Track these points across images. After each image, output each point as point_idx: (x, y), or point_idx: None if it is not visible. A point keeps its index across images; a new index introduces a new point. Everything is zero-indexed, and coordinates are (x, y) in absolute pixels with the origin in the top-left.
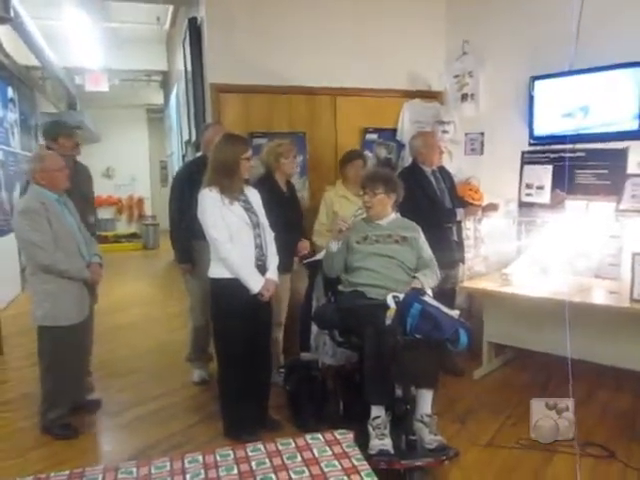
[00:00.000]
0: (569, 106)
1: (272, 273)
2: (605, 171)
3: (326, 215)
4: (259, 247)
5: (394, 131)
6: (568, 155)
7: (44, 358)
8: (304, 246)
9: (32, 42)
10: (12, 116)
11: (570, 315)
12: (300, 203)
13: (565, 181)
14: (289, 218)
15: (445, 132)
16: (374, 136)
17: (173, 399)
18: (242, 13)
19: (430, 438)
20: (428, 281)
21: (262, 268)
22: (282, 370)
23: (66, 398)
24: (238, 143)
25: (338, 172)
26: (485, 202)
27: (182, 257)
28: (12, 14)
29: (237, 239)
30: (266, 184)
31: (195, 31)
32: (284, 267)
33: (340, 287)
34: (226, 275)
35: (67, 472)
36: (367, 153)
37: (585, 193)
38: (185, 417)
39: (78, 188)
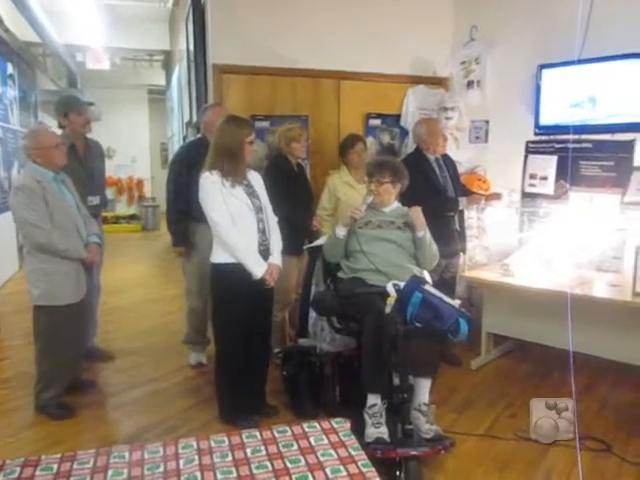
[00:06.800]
0: (577, 96)
1: (275, 258)
2: (611, 163)
3: (328, 200)
4: (262, 231)
5: (398, 117)
6: (573, 146)
7: (40, 338)
8: (318, 220)
9: (32, 17)
10: (11, 93)
11: (571, 308)
12: (310, 184)
13: (569, 172)
14: (301, 199)
15: (449, 119)
16: (377, 121)
17: (169, 382)
18: None
19: (427, 427)
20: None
21: (265, 253)
22: (277, 351)
23: (62, 378)
24: (242, 126)
25: (339, 160)
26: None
27: (177, 240)
28: None
29: (239, 223)
30: (279, 165)
31: (198, 10)
32: (294, 249)
33: (340, 274)
34: (229, 260)
35: (59, 455)
36: (370, 138)
37: (590, 185)
38: (181, 400)
39: (85, 166)
